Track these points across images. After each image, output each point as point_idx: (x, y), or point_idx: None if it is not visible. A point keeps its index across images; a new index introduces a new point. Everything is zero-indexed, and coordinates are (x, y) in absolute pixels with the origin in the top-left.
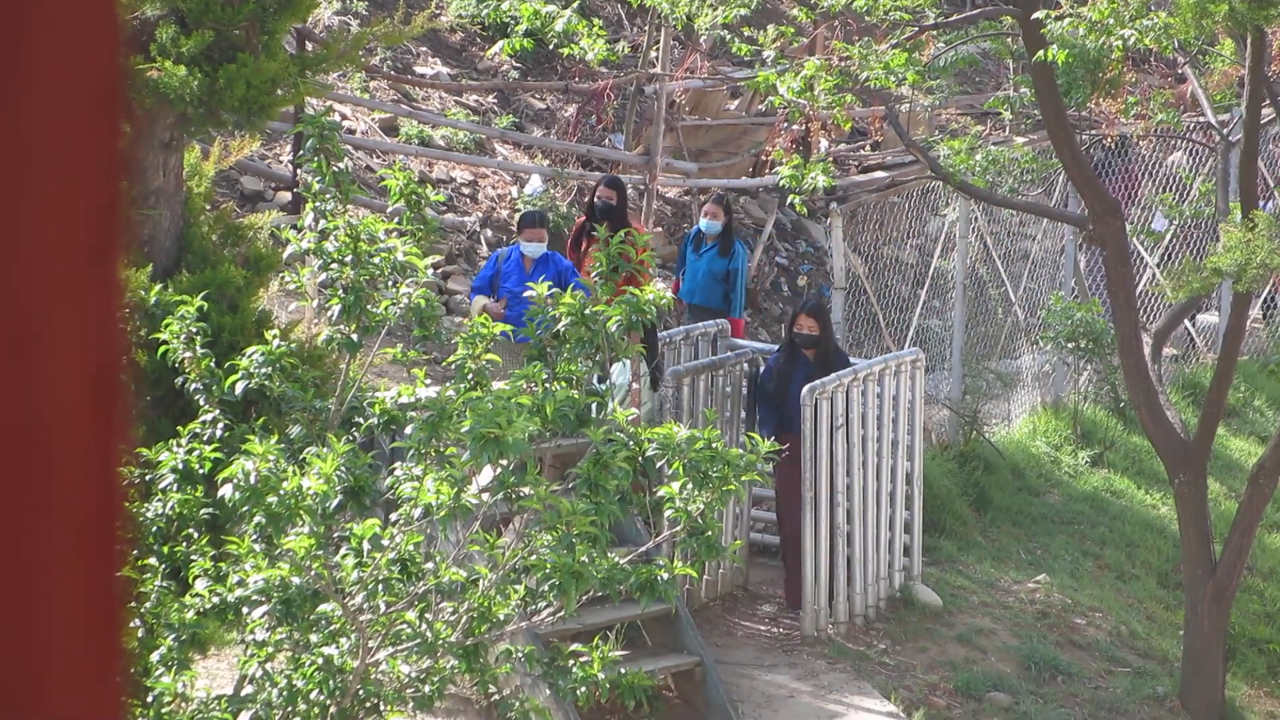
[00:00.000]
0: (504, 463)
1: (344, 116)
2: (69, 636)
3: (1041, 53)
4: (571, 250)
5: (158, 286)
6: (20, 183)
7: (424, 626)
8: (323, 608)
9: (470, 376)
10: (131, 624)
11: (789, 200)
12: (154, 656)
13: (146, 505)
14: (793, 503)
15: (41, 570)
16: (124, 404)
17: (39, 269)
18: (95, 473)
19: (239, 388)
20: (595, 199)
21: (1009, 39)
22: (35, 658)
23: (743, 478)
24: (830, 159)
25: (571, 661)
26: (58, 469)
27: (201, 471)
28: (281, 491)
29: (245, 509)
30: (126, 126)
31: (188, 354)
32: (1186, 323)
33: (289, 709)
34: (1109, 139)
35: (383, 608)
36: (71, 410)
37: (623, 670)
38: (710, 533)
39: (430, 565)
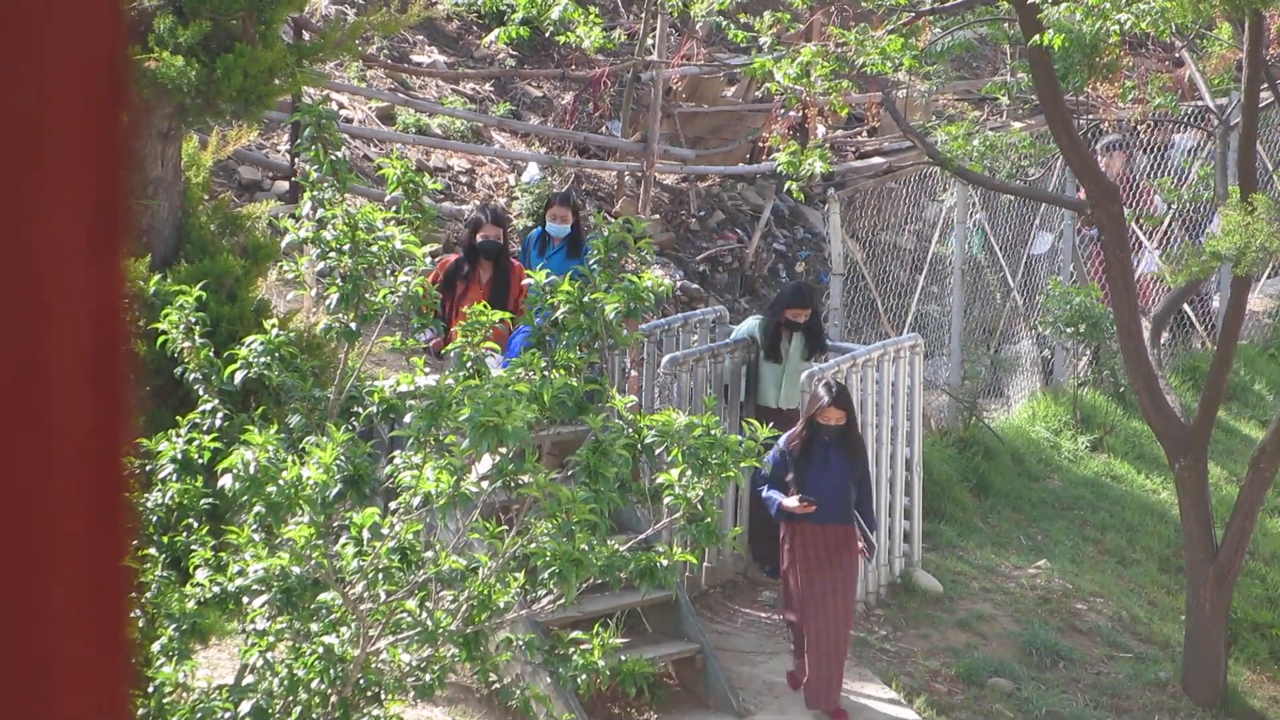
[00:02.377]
0: (503, 450)
1: (341, 105)
2: (74, 625)
3: (1038, 37)
4: (443, 290)
5: (156, 276)
6: (24, 170)
7: (424, 615)
8: (323, 597)
9: (469, 364)
10: (133, 614)
11: (786, 187)
12: (155, 647)
13: (147, 495)
14: (817, 603)
15: (46, 558)
16: (128, 391)
17: (43, 256)
18: (100, 458)
19: (238, 377)
20: (480, 237)
21: (1006, 24)
22: (40, 647)
23: (741, 464)
24: (827, 145)
25: (572, 649)
26: (62, 454)
27: (201, 461)
28: (281, 481)
29: (245, 498)
30: (126, 116)
31: (186, 344)
32: (1186, 306)
33: (290, 698)
34: (1106, 124)
35: (383, 596)
36: (76, 394)
37: (623, 658)
38: (710, 519)
39: (430, 554)
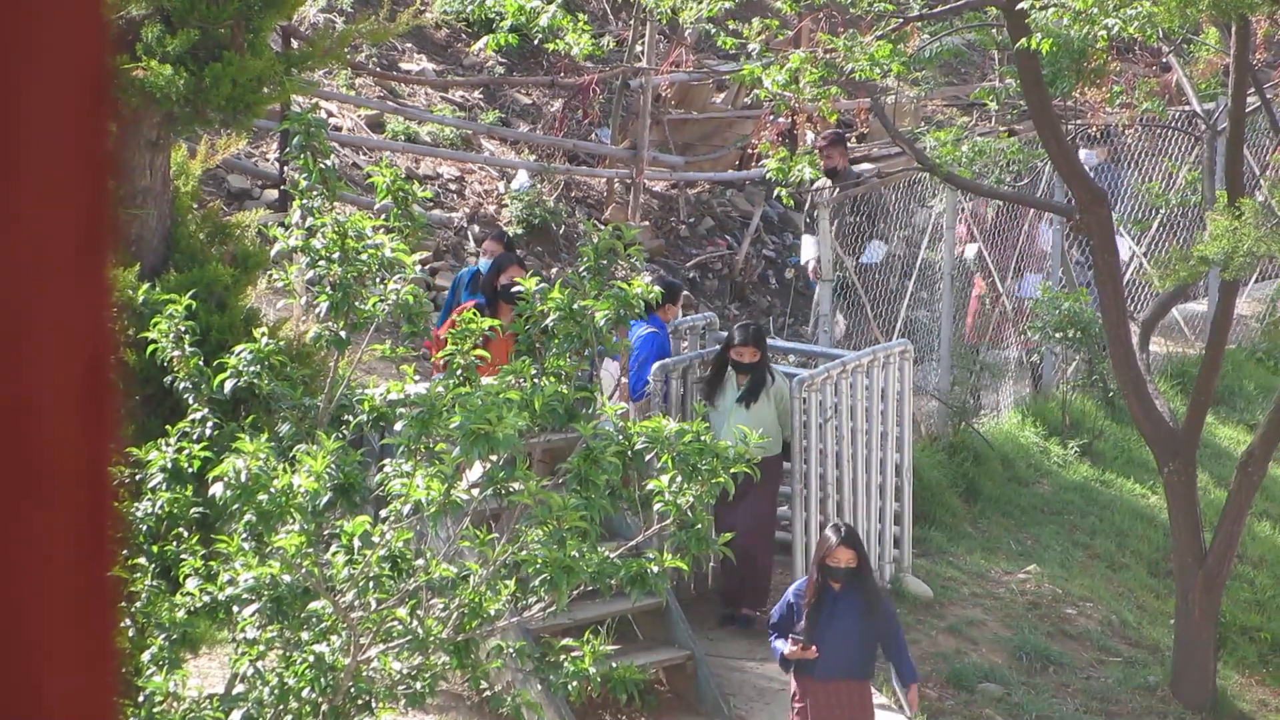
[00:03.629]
0: (494, 458)
1: (330, 114)
2: (61, 635)
3: (1026, 41)
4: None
5: (145, 285)
6: (11, 179)
7: (415, 623)
8: (313, 605)
9: (459, 372)
10: (122, 623)
11: (775, 193)
12: (145, 656)
13: (136, 504)
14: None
15: (33, 567)
16: (115, 398)
17: (29, 264)
18: (87, 468)
19: (228, 386)
20: (506, 279)
21: (994, 30)
22: (28, 657)
23: (732, 470)
24: (817, 151)
25: (563, 656)
26: (49, 464)
27: (191, 470)
28: (271, 489)
29: (235, 507)
30: (113, 126)
31: (176, 353)
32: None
33: (280, 707)
34: (1094, 129)
35: (374, 605)
36: (63, 405)
37: (614, 664)
38: (700, 525)
39: (421, 562)
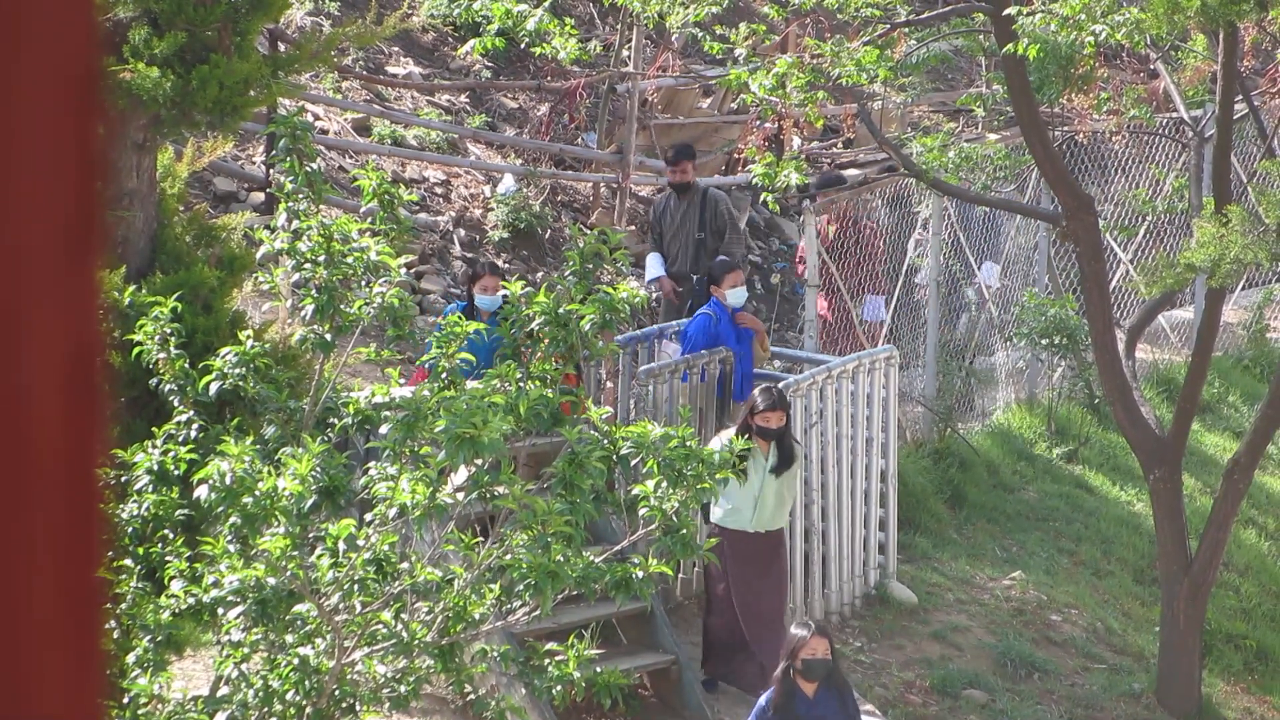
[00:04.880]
0: (479, 462)
1: (316, 117)
2: (48, 636)
3: (1013, 47)
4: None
5: (131, 288)
6: None
7: (399, 626)
8: (298, 608)
9: (444, 376)
10: (108, 625)
11: (762, 198)
12: (130, 658)
13: (122, 506)
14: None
15: (20, 569)
16: (103, 400)
17: (17, 267)
18: (75, 468)
19: (213, 388)
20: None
21: (981, 36)
22: (13, 658)
23: (717, 476)
24: (803, 157)
25: (547, 660)
26: (37, 465)
27: (176, 472)
28: (257, 492)
29: (221, 510)
30: (100, 127)
31: (162, 355)
32: (1161, 318)
33: (265, 709)
34: (1082, 135)
35: (358, 608)
36: (50, 405)
37: (598, 669)
38: (685, 530)
39: (406, 565)
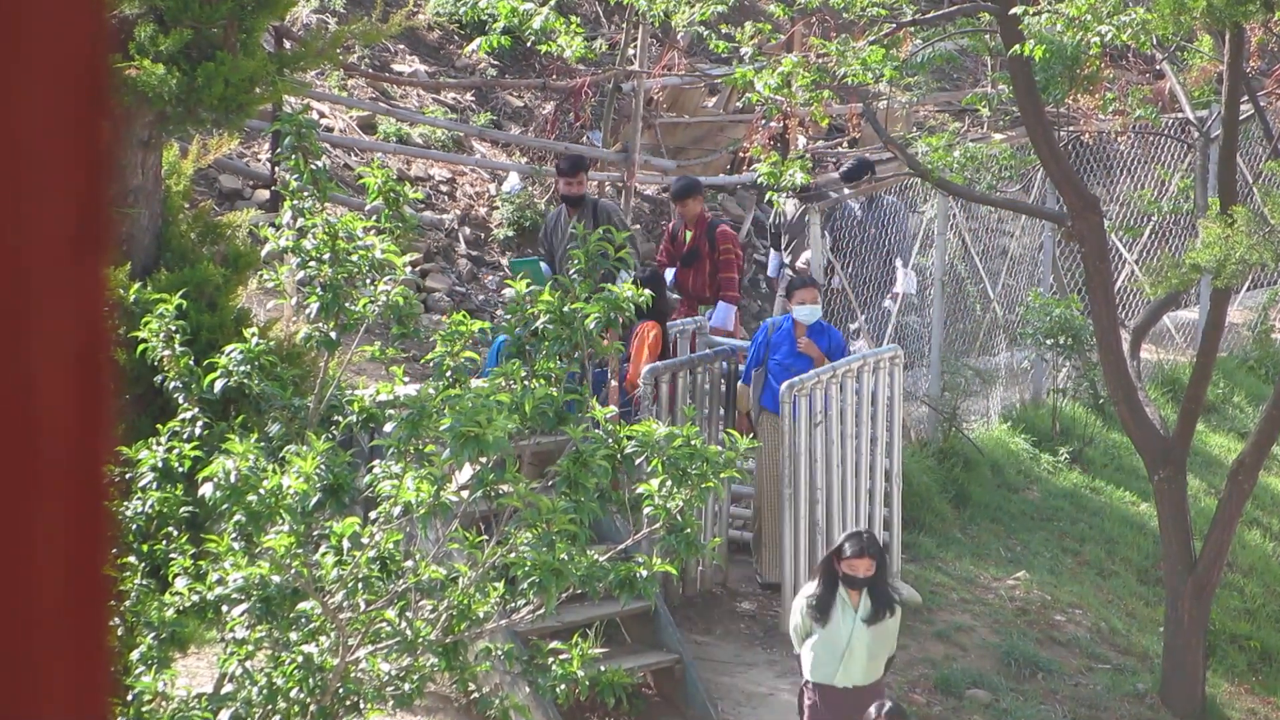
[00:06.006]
0: (483, 460)
1: (322, 114)
2: (54, 633)
3: (1019, 47)
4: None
5: (136, 284)
6: (5, 177)
7: (404, 624)
8: (302, 606)
9: (449, 374)
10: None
11: (767, 197)
12: (134, 655)
13: (126, 503)
14: None
15: (27, 565)
16: (109, 398)
17: (24, 263)
18: (82, 464)
19: (218, 386)
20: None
21: (987, 36)
22: (21, 654)
23: (721, 475)
24: (808, 156)
25: (551, 659)
26: (44, 461)
27: (181, 470)
28: (261, 490)
29: (225, 507)
30: (108, 124)
31: (167, 352)
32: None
33: (269, 707)
34: (1087, 135)
35: (362, 606)
36: (58, 402)
37: (602, 668)
38: (689, 530)
39: (410, 563)
